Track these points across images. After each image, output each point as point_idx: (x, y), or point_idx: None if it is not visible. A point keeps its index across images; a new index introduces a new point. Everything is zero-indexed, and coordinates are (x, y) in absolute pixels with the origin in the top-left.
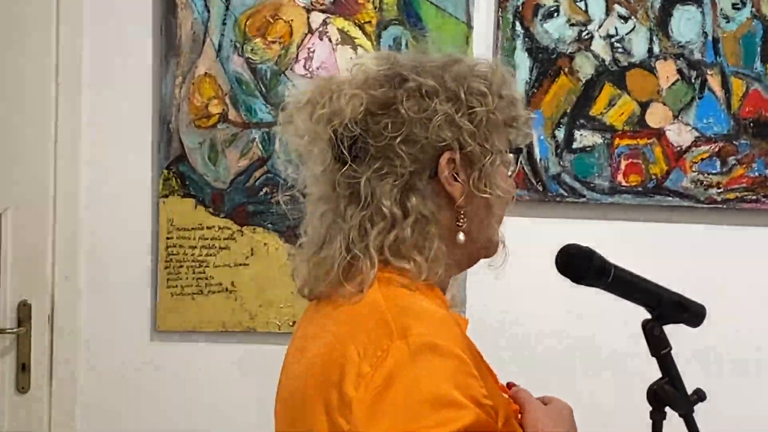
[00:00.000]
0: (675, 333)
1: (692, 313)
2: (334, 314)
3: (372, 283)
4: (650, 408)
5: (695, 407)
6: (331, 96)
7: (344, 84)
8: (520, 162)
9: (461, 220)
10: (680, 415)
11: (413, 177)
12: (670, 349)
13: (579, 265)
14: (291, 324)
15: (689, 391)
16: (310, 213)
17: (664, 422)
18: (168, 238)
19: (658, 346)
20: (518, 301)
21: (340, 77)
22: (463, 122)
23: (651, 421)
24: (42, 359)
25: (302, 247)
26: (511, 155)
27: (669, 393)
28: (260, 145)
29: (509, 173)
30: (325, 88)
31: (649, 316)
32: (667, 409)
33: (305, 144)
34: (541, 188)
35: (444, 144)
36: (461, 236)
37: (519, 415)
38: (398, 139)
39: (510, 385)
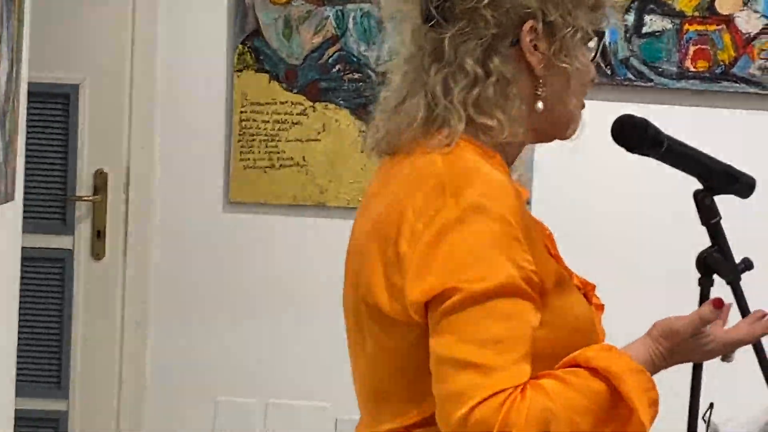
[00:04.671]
0: None
1: (743, 184)
2: (401, 173)
3: (459, 136)
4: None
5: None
6: None
7: None
8: (602, 44)
9: (540, 89)
10: (727, 282)
11: (496, 40)
12: (720, 218)
13: (634, 133)
14: (360, 200)
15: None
16: (393, 74)
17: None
18: (242, 112)
19: (709, 216)
20: (586, 179)
21: None
22: None
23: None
24: (117, 227)
25: (382, 102)
26: (594, 36)
27: (717, 260)
28: (334, 23)
29: (591, 54)
30: None
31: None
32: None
33: (396, 3)
34: (609, 72)
35: (528, 11)
36: (540, 104)
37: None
38: (484, 2)
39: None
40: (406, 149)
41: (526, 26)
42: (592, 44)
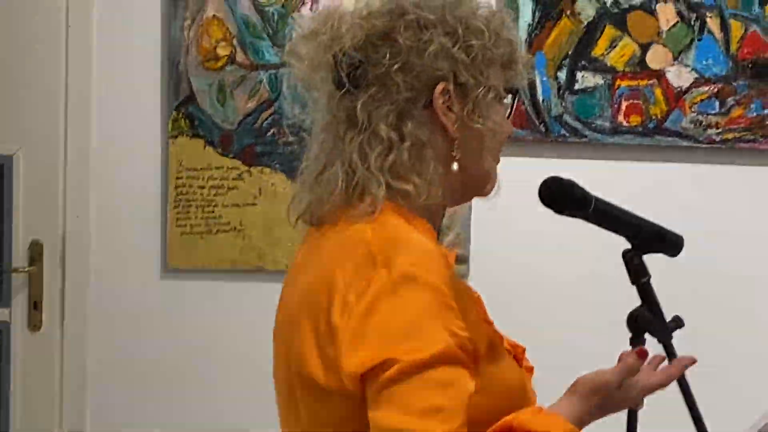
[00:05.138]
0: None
1: (670, 243)
2: (328, 243)
3: (382, 203)
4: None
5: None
6: (333, 24)
7: (347, 14)
8: (523, 103)
9: (456, 150)
10: (659, 341)
11: (408, 104)
12: (650, 277)
13: (561, 195)
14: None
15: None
16: (311, 141)
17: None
18: (177, 178)
19: (638, 275)
20: (521, 239)
21: (344, 9)
22: (458, 54)
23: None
24: (54, 298)
25: (303, 173)
26: (508, 94)
27: (648, 319)
28: (268, 87)
29: (505, 112)
30: (329, 17)
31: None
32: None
33: (308, 71)
34: (543, 129)
35: (439, 74)
36: (456, 165)
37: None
38: (395, 67)
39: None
40: (330, 219)
41: (438, 88)
42: (507, 101)
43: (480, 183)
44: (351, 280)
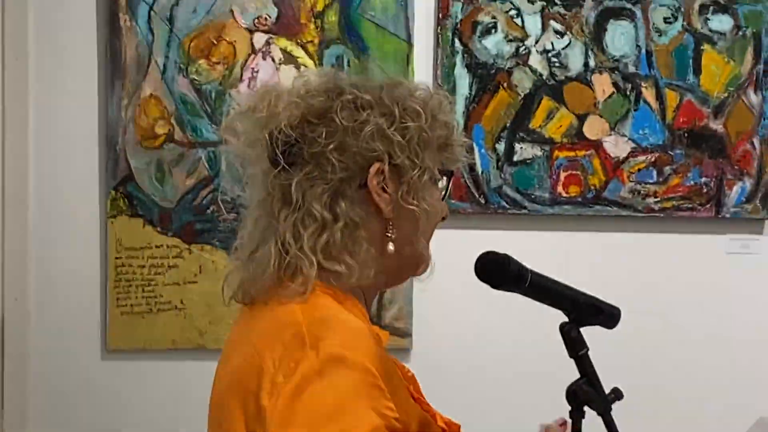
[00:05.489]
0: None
1: (607, 315)
2: (259, 323)
3: (313, 283)
4: (569, 407)
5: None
6: (270, 102)
7: (284, 92)
8: (463, 176)
9: (390, 231)
10: (598, 414)
11: (343, 184)
12: (587, 350)
13: (497, 271)
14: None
15: (607, 391)
16: (247, 218)
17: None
18: (117, 258)
19: (576, 347)
20: (463, 312)
21: (282, 86)
22: (394, 135)
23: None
24: None
25: (237, 250)
26: (443, 177)
27: (587, 392)
28: (206, 164)
29: (440, 194)
30: (266, 95)
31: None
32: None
33: (244, 148)
34: (483, 201)
35: (374, 154)
36: (391, 246)
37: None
38: (330, 147)
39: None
40: (262, 298)
41: (373, 169)
42: (442, 183)
43: (413, 264)
44: (280, 362)
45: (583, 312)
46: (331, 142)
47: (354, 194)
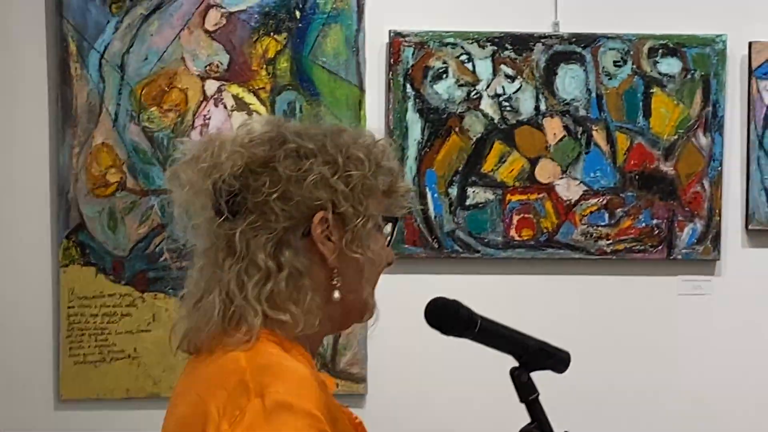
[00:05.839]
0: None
1: (557, 359)
2: (204, 372)
3: (258, 331)
4: None
5: None
6: (214, 151)
7: (228, 141)
8: (415, 220)
9: (335, 279)
10: None
11: (287, 233)
12: (538, 395)
13: (446, 317)
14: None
15: None
16: (192, 268)
17: None
18: (69, 308)
19: (526, 392)
20: (417, 356)
21: (226, 135)
22: (337, 184)
23: None
24: None
25: (183, 299)
26: (388, 223)
27: None
28: (159, 212)
29: (385, 240)
30: (209, 144)
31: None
32: None
33: (188, 196)
34: (436, 245)
35: (318, 203)
36: (336, 294)
37: None
38: (274, 196)
39: None
40: (207, 347)
41: (317, 218)
42: (387, 229)
43: (358, 311)
44: (224, 409)
45: (532, 357)
46: (275, 191)
47: (298, 243)
